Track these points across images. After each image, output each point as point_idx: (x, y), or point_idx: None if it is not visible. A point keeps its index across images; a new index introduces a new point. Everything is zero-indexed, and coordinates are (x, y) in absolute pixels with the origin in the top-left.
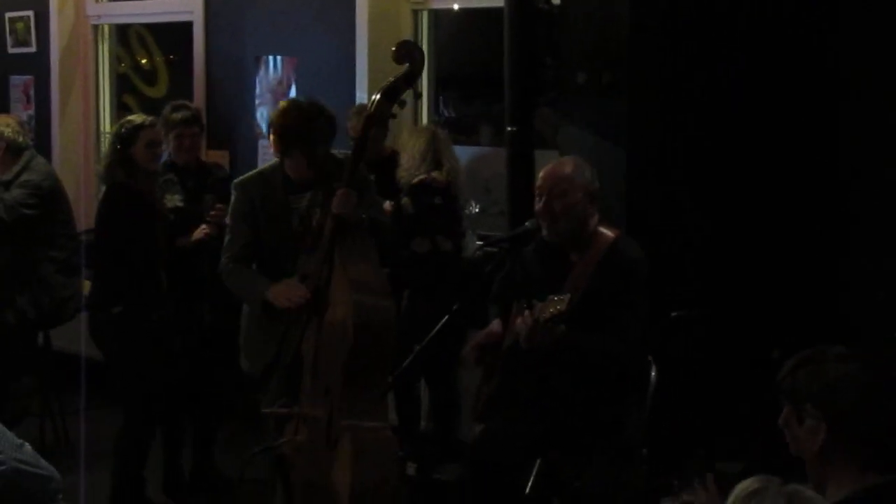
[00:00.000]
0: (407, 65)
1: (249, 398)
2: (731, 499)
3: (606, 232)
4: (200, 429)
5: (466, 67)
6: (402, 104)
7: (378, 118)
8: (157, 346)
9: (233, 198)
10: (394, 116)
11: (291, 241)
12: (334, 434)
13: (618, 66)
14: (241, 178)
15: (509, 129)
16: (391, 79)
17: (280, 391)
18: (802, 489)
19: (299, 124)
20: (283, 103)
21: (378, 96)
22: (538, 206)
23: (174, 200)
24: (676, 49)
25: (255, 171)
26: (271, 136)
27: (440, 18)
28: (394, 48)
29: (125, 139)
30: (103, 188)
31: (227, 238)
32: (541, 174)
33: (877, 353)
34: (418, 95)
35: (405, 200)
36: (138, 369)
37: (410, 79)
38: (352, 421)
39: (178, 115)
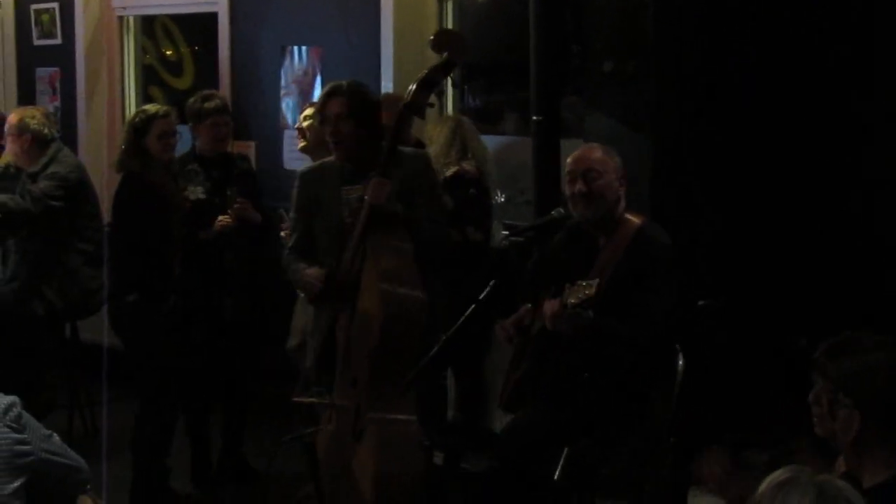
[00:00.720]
0: (445, 53)
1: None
2: (761, 488)
3: (633, 218)
4: (229, 419)
5: (492, 56)
6: (441, 93)
7: (415, 107)
8: (171, 334)
9: (294, 189)
10: (431, 105)
11: (341, 232)
12: (360, 425)
13: (643, 55)
14: (304, 168)
15: (535, 118)
16: (428, 68)
17: (312, 380)
18: (833, 479)
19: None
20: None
21: (415, 85)
22: (571, 189)
23: (196, 192)
24: (702, 38)
25: (318, 161)
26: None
27: (465, 7)
28: (432, 36)
29: (138, 129)
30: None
31: (290, 229)
32: (571, 158)
33: None
34: (455, 85)
35: (445, 198)
36: (153, 357)
37: (448, 68)
38: (377, 413)
39: (210, 105)
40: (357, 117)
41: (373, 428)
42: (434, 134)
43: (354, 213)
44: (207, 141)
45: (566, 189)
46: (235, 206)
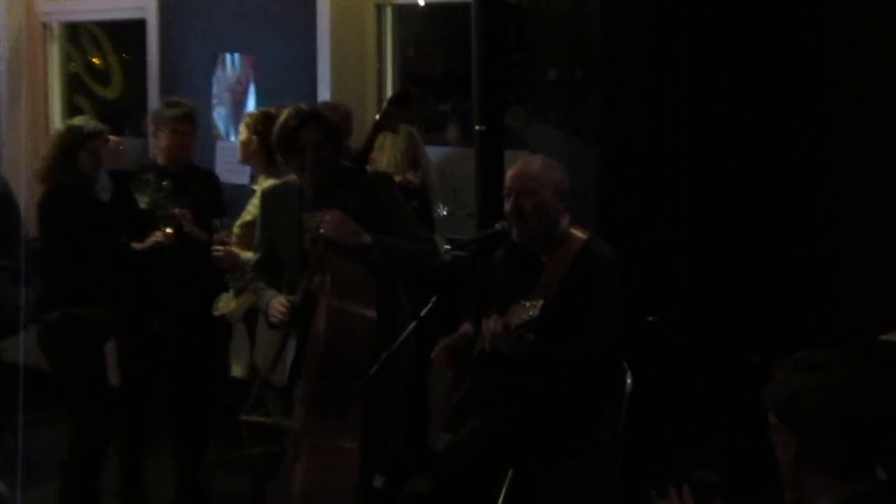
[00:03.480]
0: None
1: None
2: None
3: (578, 233)
4: (181, 446)
5: (433, 65)
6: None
7: (386, 125)
8: (97, 352)
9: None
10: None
11: (301, 259)
12: (299, 447)
13: (590, 63)
14: (269, 185)
15: (478, 128)
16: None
17: (259, 401)
18: None
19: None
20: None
21: (388, 102)
22: (507, 206)
23: (141, 202)
24: (651, 43)
25: (284, 179)
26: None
27: (405, 14)
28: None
29: (71, 145)
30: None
31: (255, 245)
32: (509, 173)
33: (849, 357)
34: None
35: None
36: (80, 377)
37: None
38: (317, 436)
39: (170, 113)
40: (333, 142)
41: (308, 451)
42: (387, 144)
43: (315, 242)
44: (163, 150)
45: (504, 205)
46: (176, 211)
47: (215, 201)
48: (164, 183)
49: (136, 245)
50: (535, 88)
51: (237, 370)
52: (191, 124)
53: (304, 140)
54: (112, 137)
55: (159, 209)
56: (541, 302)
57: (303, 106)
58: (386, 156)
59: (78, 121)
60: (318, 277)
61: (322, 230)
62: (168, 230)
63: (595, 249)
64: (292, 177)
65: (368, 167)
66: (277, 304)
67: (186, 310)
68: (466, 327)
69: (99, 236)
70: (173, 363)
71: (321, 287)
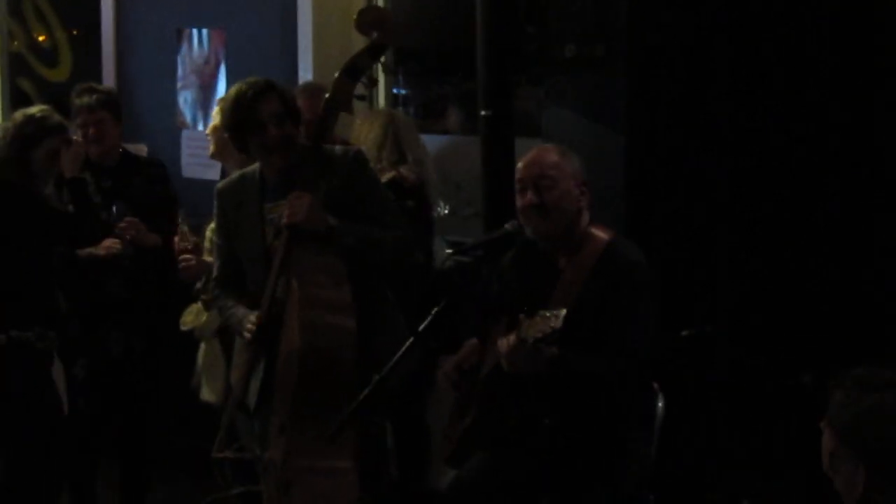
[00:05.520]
0: (374, 34)
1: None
2: None
3: (599, 233)
4: (126, 476)
5: (431, 40)
6: (373, 82)
7: (340, 100)
8: (44, 377)
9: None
10: (361, 98)
11: (266, 258)
12: (287, 477)
13: (614, 37)
14: (222, 182)
15: (484, 112)
16: (354, 53)
17: (231, 433)
18: None
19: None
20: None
21: (338, 74)
22: (521, 200)
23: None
24: (686, 14)
25: (238, 173)
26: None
27: None
28: (356, 15)
29: (28, 139)
30: None
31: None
32: (521, 164)
33: None
34: (389, 71)
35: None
36: (29, 403)
37: (377, 52)
38: (305, 461)
39: (81, 101)
40: (295, 118)
41: (298, 479)
42: (363, 133)
43: (279, 235)
44: (85, 144)
45: (517, 200)
46: (122, 225)
47: (165, 194)
48: (105, 181)
49: (88, 251)
50: (550, 66)
51: (209, 395)
52: (109, 111)
53: (262, 114)
54: (76, 139)
55: (97, 211)
56: (563, 312)
57: (255, 79)
58: (363, 146)
59: (38, 111)
60: (284, 279)
61: (286, 216)
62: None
63: (620, 251)
64: (251, 168)
65: (339, 147)
66: (249, 323)
67: (145, 327)
68: (473, 343)
69: (49, 246)
70: (133, 390)
71: (288, 291)
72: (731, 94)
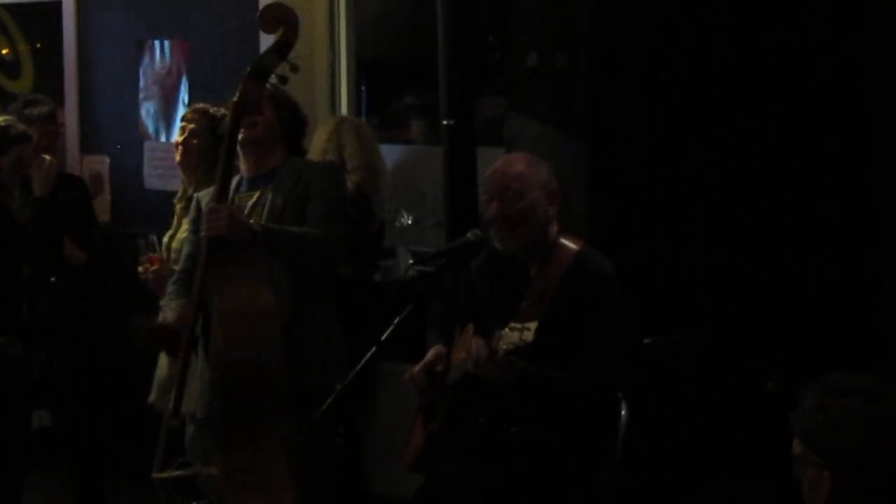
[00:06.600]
0: (280, 31)
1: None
2: None
3: (569, 243)
4: (80, 491)
5: (394, 49)
6: (284, 81)
7: (246, 104)
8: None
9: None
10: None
11: None
12: (223, 493)
13: (577, 45)
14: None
15: (446, 122)
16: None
17: (172, 450)
18: None
19: None
20: None
21: (245, 77)
22: (488, 212)
23: None
24: (649, 22)
25: None
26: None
27: None
28: (259, 13)
29: None
30: None
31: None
32: (488, 174)
33: (887, 383)
34: (295, 69)
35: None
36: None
37: (283, 49)
38: (238, 477)
39: (33, 112)
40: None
41: (234, 496)
42: (313, 139)
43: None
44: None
45: (484, 211)
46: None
47: (87, 212)
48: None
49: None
50: (512, 75)
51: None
52: (55, 124)
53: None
54: (46, 157)
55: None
56: (535, 324)
57: None
58: (310, 153)
59: (1, 121)
60: (208, 296)
61: (204, 229)
62: None
63: (590, 262)
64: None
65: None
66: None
67: (83, 343)
68: (439, 348)
69: (17, 259)
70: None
71: (214, 310)
72: (693, 100)
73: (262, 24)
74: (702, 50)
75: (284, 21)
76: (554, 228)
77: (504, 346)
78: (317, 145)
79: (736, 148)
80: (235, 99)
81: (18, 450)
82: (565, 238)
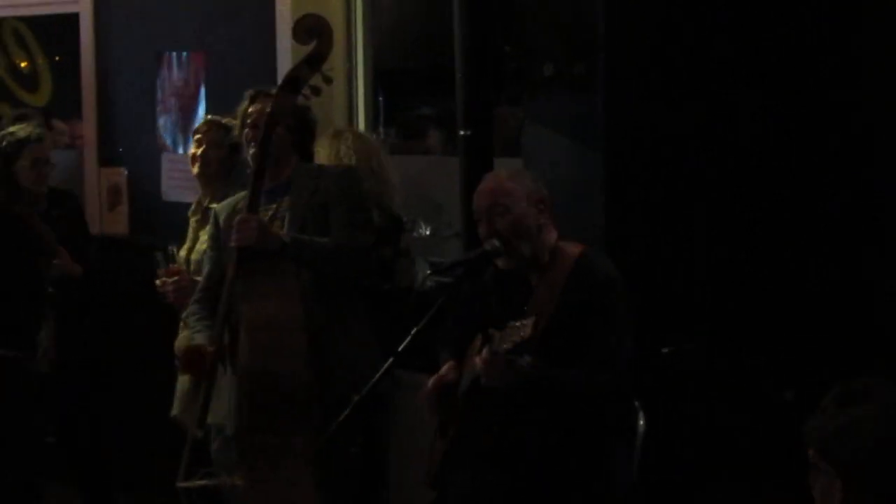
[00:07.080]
0: (314, 43)
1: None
2: None
3: (569, 248)
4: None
5: (410, 60)
6: (317, 92)
7: (279, 115)
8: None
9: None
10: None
11: None
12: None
13: (593, 54)
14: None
15: (462, 132)
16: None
17: (196, 461)
18: None
19: None
20: None
21: (277, 88)
22: (480, 232)
23: None
24: (665, 32)
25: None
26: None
27: (377, 2)
28: (293, 24)
29: (7, 155)
30: None
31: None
32: (474, 196)
33: None
34: (328, 80)
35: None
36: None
37: (316, 62)
38: (262, 489)
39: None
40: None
41: None
42: (321, 152)
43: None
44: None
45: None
46: (55, 262)
47: (81, 227)
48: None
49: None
50: (529, 86)
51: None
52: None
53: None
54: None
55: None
56: (532, 320)
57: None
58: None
59: (10, 128)
60: (236, 309)
61: (234, 239)
62: None
63: (592, 265)
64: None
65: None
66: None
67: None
68: (451, 363)
69: (36, 268)
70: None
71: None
72: (710, 110)
73: (295, 36)
74: (717, 60)
75: (320, 33)
76: (551, 235)
77: (504, 346)
78: (320, 156)
79: (752, 157)
80: (268, 110)
81: (29, 459)
82: (565, 243)
